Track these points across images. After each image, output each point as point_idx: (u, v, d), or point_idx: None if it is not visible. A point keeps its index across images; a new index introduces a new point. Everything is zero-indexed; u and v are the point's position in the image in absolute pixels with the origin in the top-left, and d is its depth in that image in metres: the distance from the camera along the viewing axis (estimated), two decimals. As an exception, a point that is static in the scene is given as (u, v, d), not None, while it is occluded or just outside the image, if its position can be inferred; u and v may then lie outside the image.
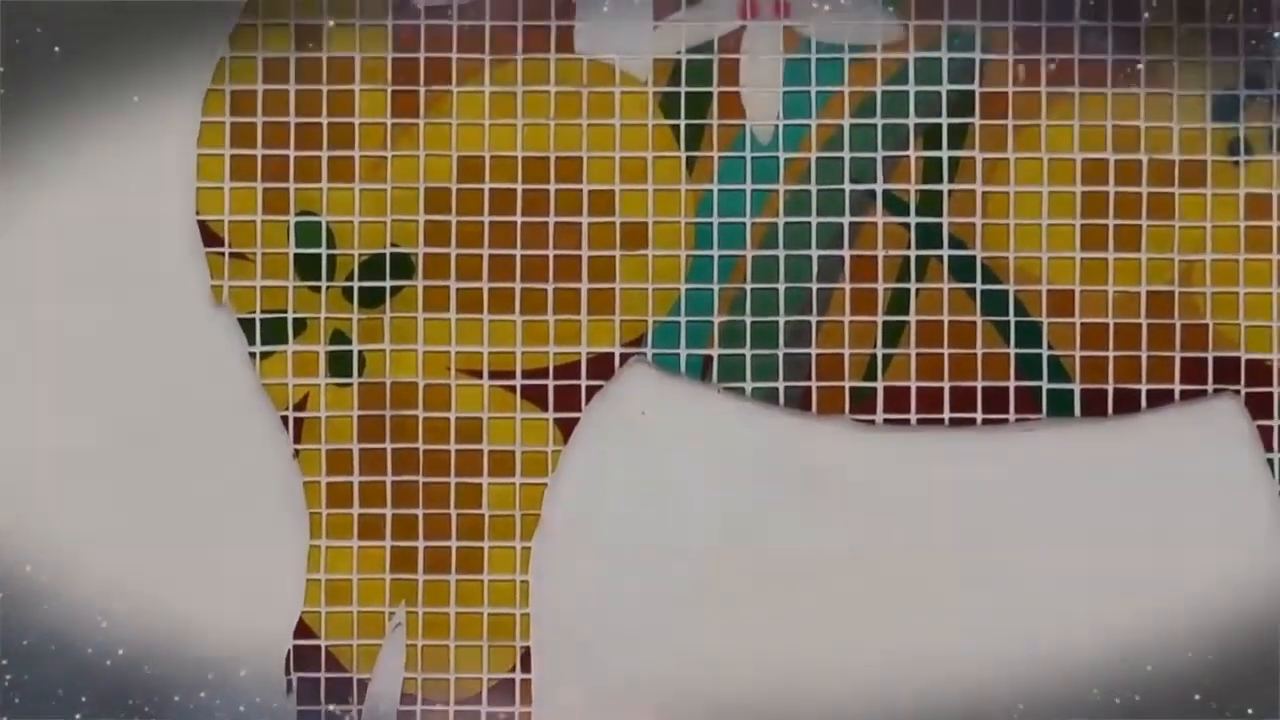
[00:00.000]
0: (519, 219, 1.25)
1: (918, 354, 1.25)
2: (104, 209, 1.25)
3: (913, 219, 1.25)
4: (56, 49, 1.23)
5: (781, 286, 1.25)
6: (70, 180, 1.25)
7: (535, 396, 1.25)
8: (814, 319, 1.25)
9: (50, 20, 1.23)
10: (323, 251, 1.25)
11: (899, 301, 1.25)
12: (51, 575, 1.24)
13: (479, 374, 1.25)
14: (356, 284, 1.25)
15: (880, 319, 1.25)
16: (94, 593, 1.23)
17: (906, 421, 1.25)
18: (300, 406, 1.25)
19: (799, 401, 1.25)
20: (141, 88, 1.24)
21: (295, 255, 1.25)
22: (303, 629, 1.24)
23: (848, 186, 1.25)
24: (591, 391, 1.25)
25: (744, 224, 1.25)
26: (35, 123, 1.24)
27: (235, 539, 1.24)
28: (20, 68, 1.24)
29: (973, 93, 1.25)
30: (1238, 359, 1.25)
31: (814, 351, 1.25)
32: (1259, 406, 1.24)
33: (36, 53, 1.24)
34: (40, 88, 1.24)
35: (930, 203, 1.25)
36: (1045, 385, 1.24)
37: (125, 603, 1.23)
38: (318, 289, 1.25)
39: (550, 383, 1.25)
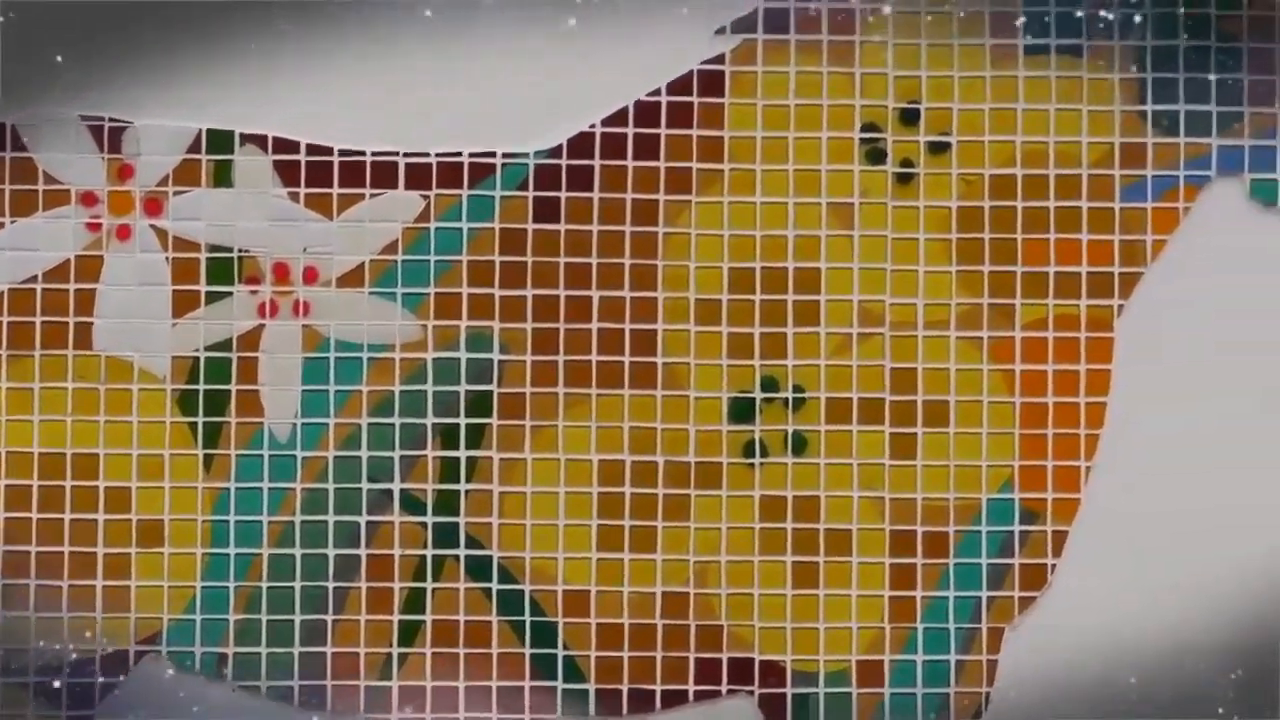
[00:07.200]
0: (34, 515, 1.24)
1: (433, 653, 1.25)
2: None
3: (430, 518, 1.25)
4: None
5: (298, 585, 1.25)
6: None
7: (48, 694, 1.24)
8: (330, 618, 1.25)
9: None
10: None
11: (415, 601, 1.25)
12: None
13: (-8, 671, 1.24)
14: None
15: (396, 618, 1.25)
16: None
17: (422, 720, 1.25)
18: None
19: (315, 700, 1.25)
20: None
21: None
22: None
23: (365, 485, 1.25)
24: (106, 690, 1.24)
25: (261, 522, 1.25)
26: None
27: None
28: None
29: (491, 393, 1.26)
30: (751, 660, 1.25)
31: (330, 650, 1.25)
32: (773, 708, 1.25)
33: None
34: None
35: (447, 502, 1.25)
36: (560, 685, 1.25)
37: None
38: None
39: (64, 681, 1.24)
